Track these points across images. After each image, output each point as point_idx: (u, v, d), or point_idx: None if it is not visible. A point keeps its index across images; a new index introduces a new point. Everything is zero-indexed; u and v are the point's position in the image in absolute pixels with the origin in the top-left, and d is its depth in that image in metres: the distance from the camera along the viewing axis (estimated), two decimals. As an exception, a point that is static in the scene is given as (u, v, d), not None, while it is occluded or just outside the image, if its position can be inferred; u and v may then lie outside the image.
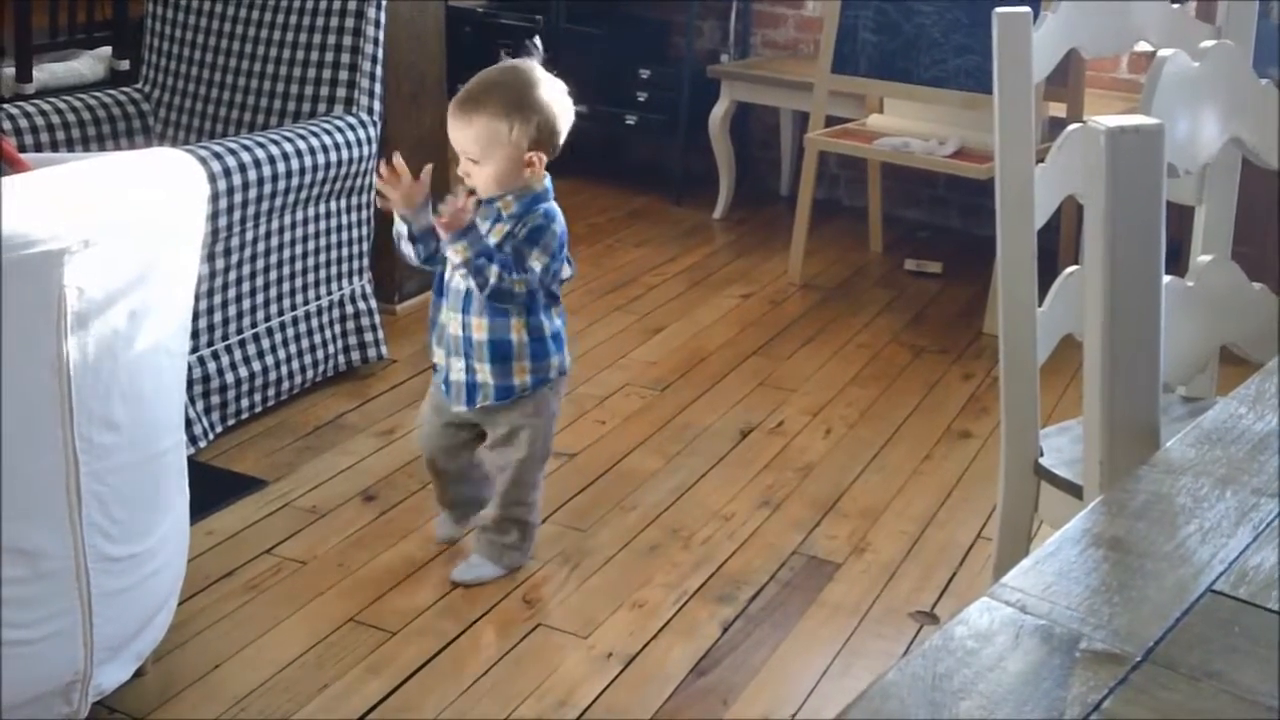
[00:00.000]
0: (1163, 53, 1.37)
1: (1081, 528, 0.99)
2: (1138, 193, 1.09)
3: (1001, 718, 0.79)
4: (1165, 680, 0.82)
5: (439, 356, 2.43)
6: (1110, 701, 0.80)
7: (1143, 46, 1.90)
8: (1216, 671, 0.83)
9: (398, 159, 2.27)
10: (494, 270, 2.23)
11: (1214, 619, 0.88)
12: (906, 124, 4.11)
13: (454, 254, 2.25)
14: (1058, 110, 3.81)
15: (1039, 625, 0.88)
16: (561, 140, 2.34)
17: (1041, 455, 1.85)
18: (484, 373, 2.34)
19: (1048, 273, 1.74)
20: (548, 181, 2.36)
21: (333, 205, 3.08)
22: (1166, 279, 1.23)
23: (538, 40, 2.35)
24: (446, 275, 2.37)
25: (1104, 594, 0.91)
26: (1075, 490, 1.75)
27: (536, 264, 2.28)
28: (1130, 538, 0.97)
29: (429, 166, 2.33)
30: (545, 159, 2.32)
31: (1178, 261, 1.86)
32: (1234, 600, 0.90)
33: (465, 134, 2.28)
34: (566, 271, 2.39)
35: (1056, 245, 3.89)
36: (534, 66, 2.36)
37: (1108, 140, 1.08)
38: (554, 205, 2.36)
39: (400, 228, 2.35)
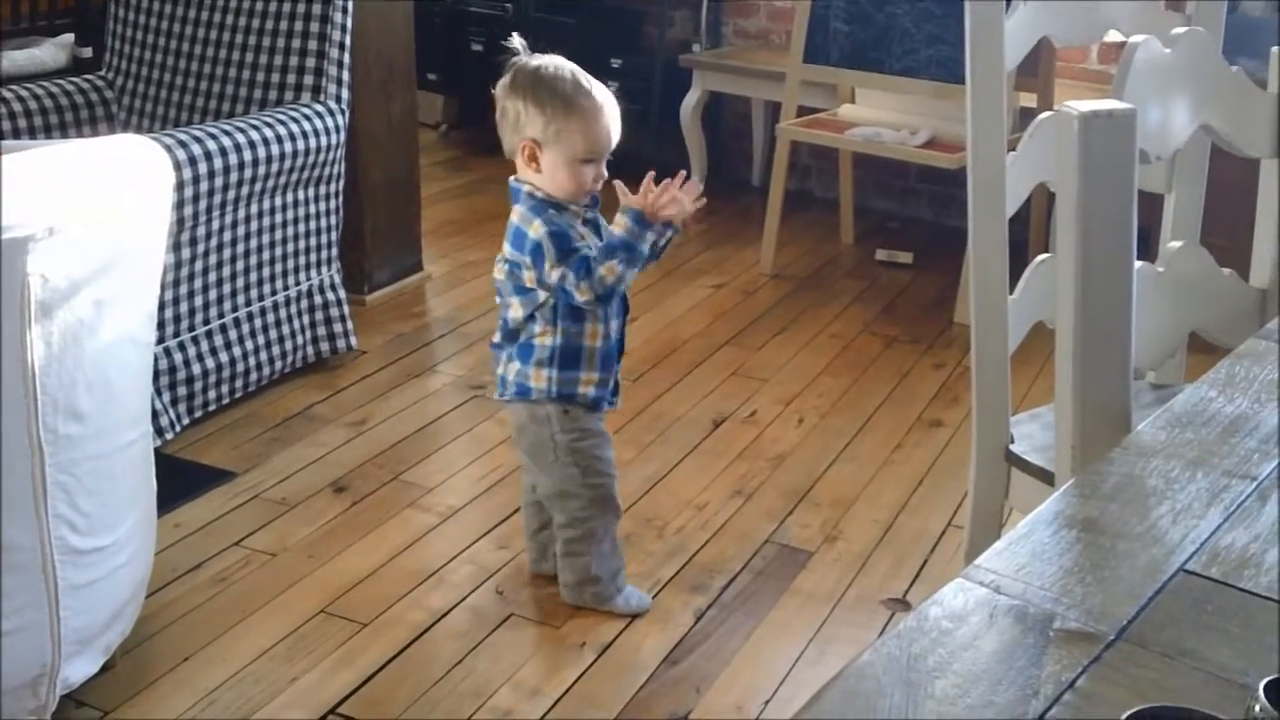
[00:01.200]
0: (1134, 39, 1.37)
1: (1054, 509, 1.00)
2: (1110, 177, 1.09)
3: (976, 696, 0.79)
4: (1139, 659, 0.83)
5: (599, 379, 2.25)
6: (1084, 680, 0.81)
7: (1113, 36, 1.91)
8: (1189, 650, 0.83)
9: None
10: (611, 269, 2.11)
11: (1186, 598, 0.89)
12: (878, 114, 4.11)
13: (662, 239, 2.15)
14: (1028, 100, 3.82)
15: (1013, 605, 0.88)
16: None
17: (1013, 442, 1.86)
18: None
19: (1017, 262, 1.74)
20: None
21: (300, 194, 3.06)
22: (1137, 264, 1.23)
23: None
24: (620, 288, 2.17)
25: (1077, 574, 0.91)
26: (1046, 476, 1.75)
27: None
28: (1103, 519, 0.98)
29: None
30: None
31: (1147, 249, 1.86)
32: (1206, 580, 0.91)
33: (613, 127, 2.15)
34: None
35: (1026, 235, 3.90)
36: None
37: (1080, 124, 1.08)
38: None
39: (644, 243, 2.14)
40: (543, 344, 2.19)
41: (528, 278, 2.15)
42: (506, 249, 2.17)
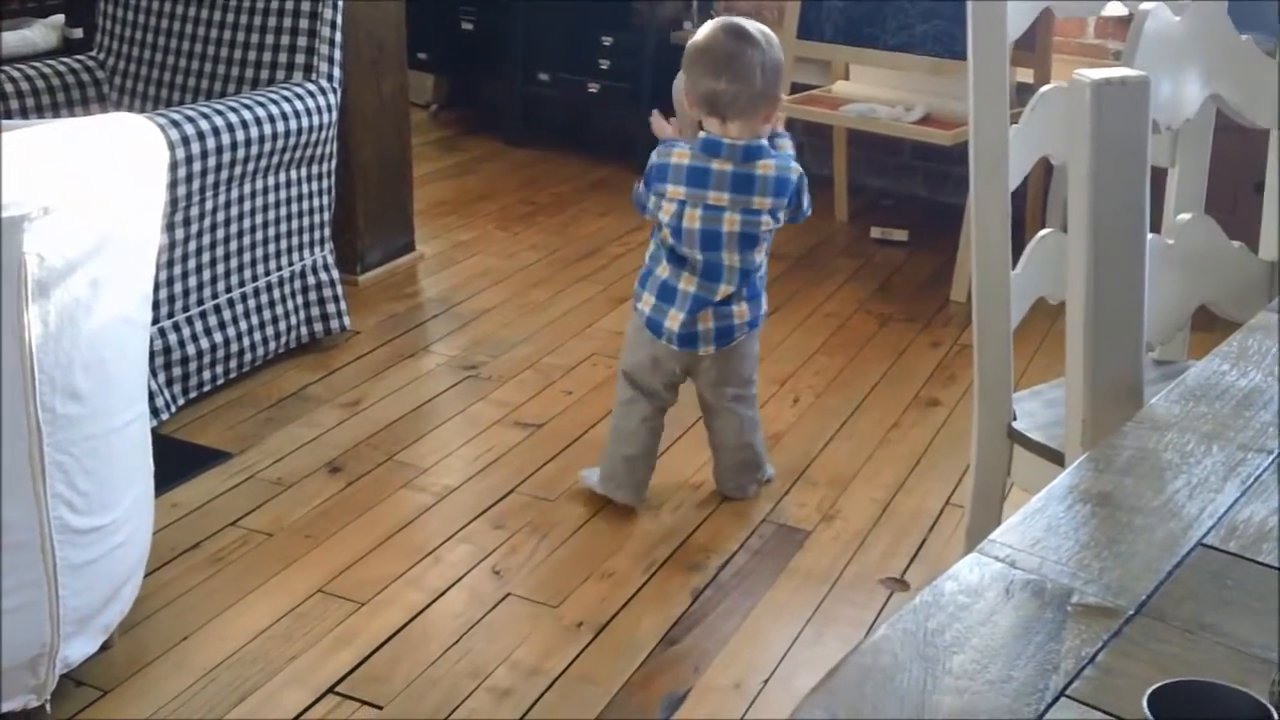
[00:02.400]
0: (1144, 6, 1.35)
1: (1068, 484, 0.99)
2: (1123, 147, 1.08)
3: (995, 672, 0.78)
4: (1159, 633, 0.82)
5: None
6: (1104, 655, 0.80)
7: (1113, 9, 1.89)
8: (1209, 624, 0.83)
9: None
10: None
11: (1205, 572, 0.88)
12: (873, 90, 4.09)
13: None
14: (1024, 75, 3.81)
15: (1029, 580, 0.87)
16: (701, 96, 2.40)
17: (1015, 419, 1.85)
18: None
19: (1014, 237, 1.73)
20: (700, 143, 2.44)
21: (293, 174, 3.04)
22: (1149, 236, 1.22)
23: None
24: None
25: (1094, 549, 0.90)
26: (1049, 454, 1.75)
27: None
28: (1118, 493, 0.97)
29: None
30: (701, 113, 2.43)
31: (1150, 223, 1.86)
32: (1224, 554, 0.90)
33: None
34: (665, 218, 2.46)
35: (1023, 211, 3.89)
36: (709, 24, 2.44)
37: (1093, 93, 1.06)
38: (669, 147, 2.47)
39: None
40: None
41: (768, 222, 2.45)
42: (768, 201, 2.42)
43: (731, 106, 2.38)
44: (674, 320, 2.47)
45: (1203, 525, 0.92)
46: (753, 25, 2.42)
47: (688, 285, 2.46)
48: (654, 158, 2.48)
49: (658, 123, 2.58)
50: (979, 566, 0.89)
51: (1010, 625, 0.83)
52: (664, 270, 2.48)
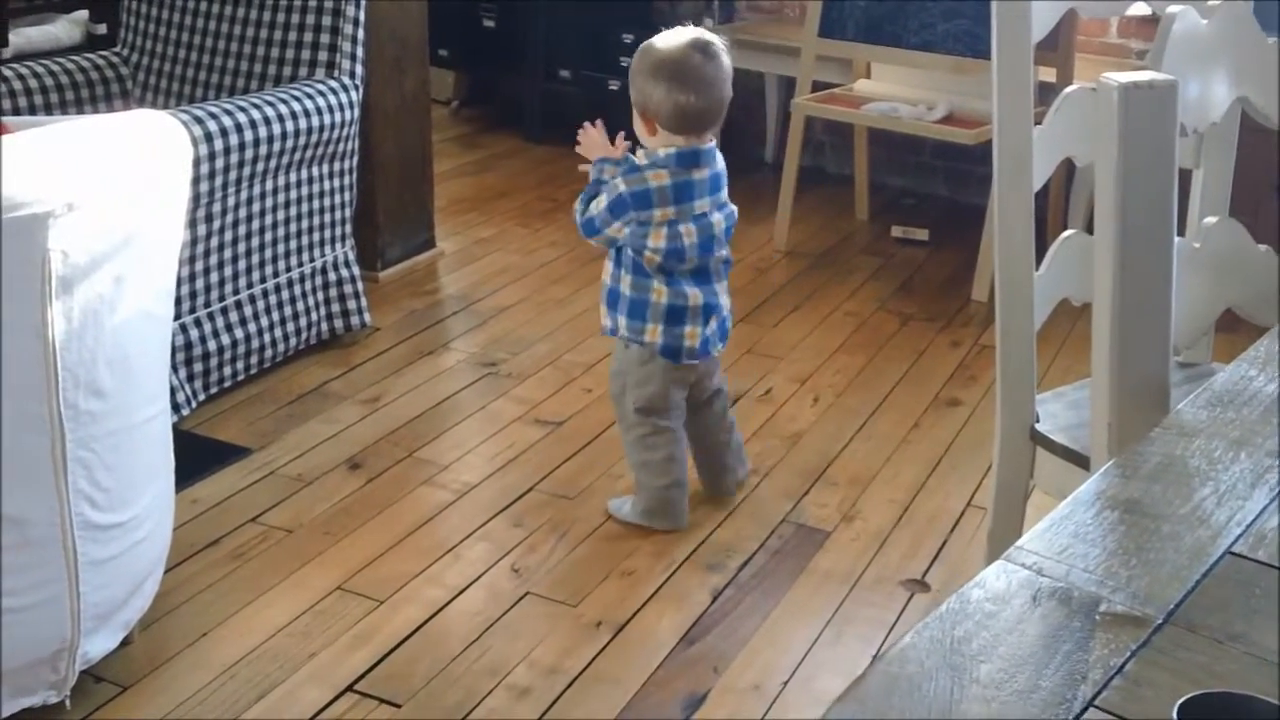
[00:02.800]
0: (1171, 9, 1.34)
1: (1095, 490, 0.98)
2: (1151, 150, 1.07)
3: (1023, 681, 0.78)
4: (1187, 642, 0.81)
5: None
6: (1133, 664, 0.79)
7: (1136, 9, 1.88)
8: (1239, 634, 0.82)
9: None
10: (589, 210, 2.45)
11: (1234, 581, 0.87)
12: (895, 89, 4.08)
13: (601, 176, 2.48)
14: (1047, 75, 3.79)
15: (1057, 588, 0.87)
16: (672, 111, 2.37)
17: (1038, 421, 1.84)
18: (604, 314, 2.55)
19: (1036, 238, 1.72)
20: (674, 155, 2.40)
21: (315, 171, 3.04)
22: (1175, 240, 1.21)
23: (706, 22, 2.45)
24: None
25: (1121, 556, 0.90)
26: (1072, 456, 1.74)
27: (593, 209, 2.43)
28: (1146, 500, 0.96)
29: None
30: (653, 125, 2.40)
31: (1177, 225, 1.84)
32: (1253, 562, 0.89)
33: None
34: (657, 243, 2.40)
35: (1045, 211, 3.87)
36: (673, 35, 2.41)
37: (1121, 96, 1.06)
38: (639, 171, 2.40)
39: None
40: None
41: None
42: (724, 195, 2.48)
43: (705, 119, 2.39)
44: (692, 337, 2.46)
45: (1231, 533, 0.91)
46: (712, 36, 2.42)
47: (695, 300, 2.44)
48: (621, 186, 2.38)
49: (591, 137, 2.51)
50: (1005, 574, 0.88)
51: (1038, 634, 0.82)
52: (660, 294, 2.42)
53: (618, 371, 2.54)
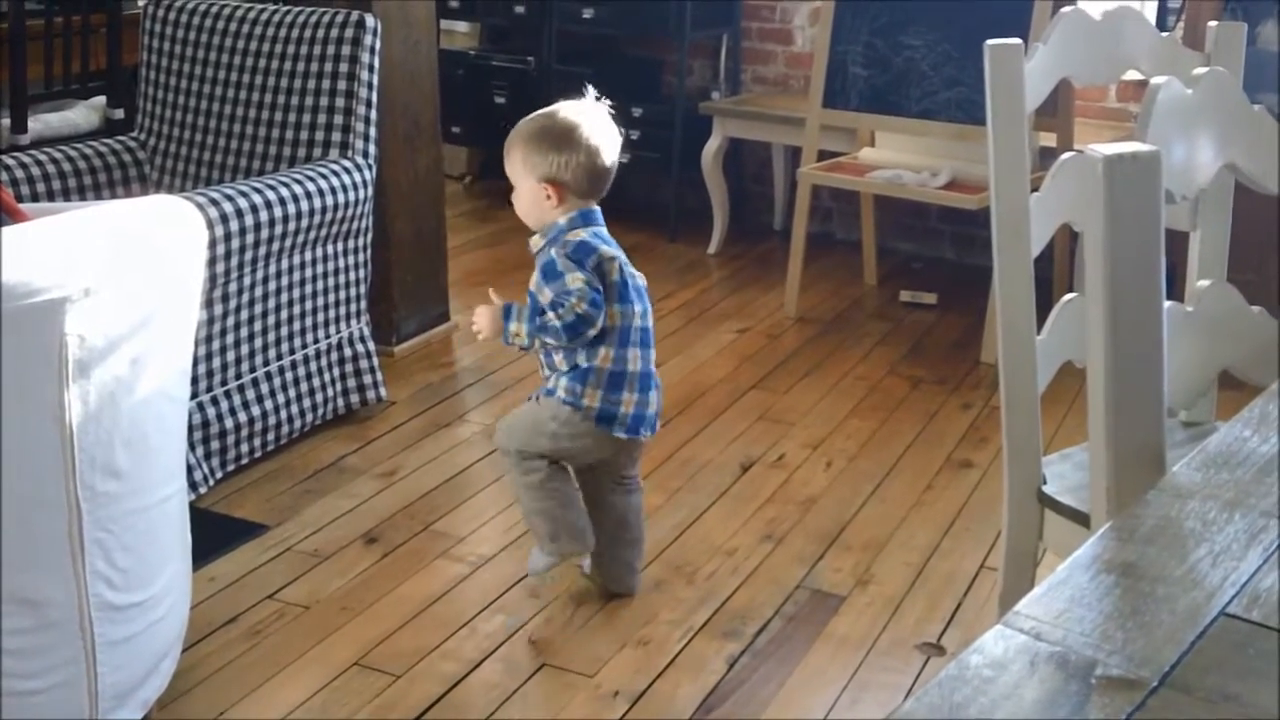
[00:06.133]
0: (1156, 80, 1.38)
1: (1092, 554, 0.99)
2: (1136, 220, 1.09)
3: (1020, 746, 0.79)
4: (1182, 705, 0.82)
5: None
6: (1128, 727, 0.80)
7: (1132, 75, 1.92)
8: (1234, 695, 0.83)
9: (491, 293, 2.49)
10: (549, 321, 2.34)
11: (1228, 642, 0.88)
12: (898, 156, 4.13)
13: (519, 343, 2.42)
14: (1048, 140, 3.83)
15: (1054, 652, 0.88)
16: (587, 175, 2.40)
17: (1045, 483, 1.85)
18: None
19: (1043, 300, 1.75)
20: (579, 214, 2.42)
21: (330, 249, 3.09)
22: (1166, 304, 1.23)
23: (589, 89, 2.46)
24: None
25: (1117, 619, 0.91)
26: (1079, 517, 1.75)
27: (565, 306, 2.33)
28: (1141, 563, 0.97)
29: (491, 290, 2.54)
30: (563, 193, 2.41)
31: (1173, 287, 1.87)
32: (1247, 623, 0.90)
33: (507, 164, 2.45)
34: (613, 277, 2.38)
35: (1051, 273, 3.90)
36: (573, 105, 2.45)
37: (1105, 168, 1.08)
38: (576, 235, 2.39)
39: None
40: None
41: None
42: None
43: (610, 177, 2.45)
44: (656, 405, 2.45)
45: (1225, 594, 0.92)
46: (599, 103, 2.46)
47: (650, 364, 2.43)
48: (553, 253, 2.37)
49: (482, 316, 2.49)
50: (1004, 639, 0.89)
51: (1035, 699, 0.83)
52: (635, 361, 2.39)
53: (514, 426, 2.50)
